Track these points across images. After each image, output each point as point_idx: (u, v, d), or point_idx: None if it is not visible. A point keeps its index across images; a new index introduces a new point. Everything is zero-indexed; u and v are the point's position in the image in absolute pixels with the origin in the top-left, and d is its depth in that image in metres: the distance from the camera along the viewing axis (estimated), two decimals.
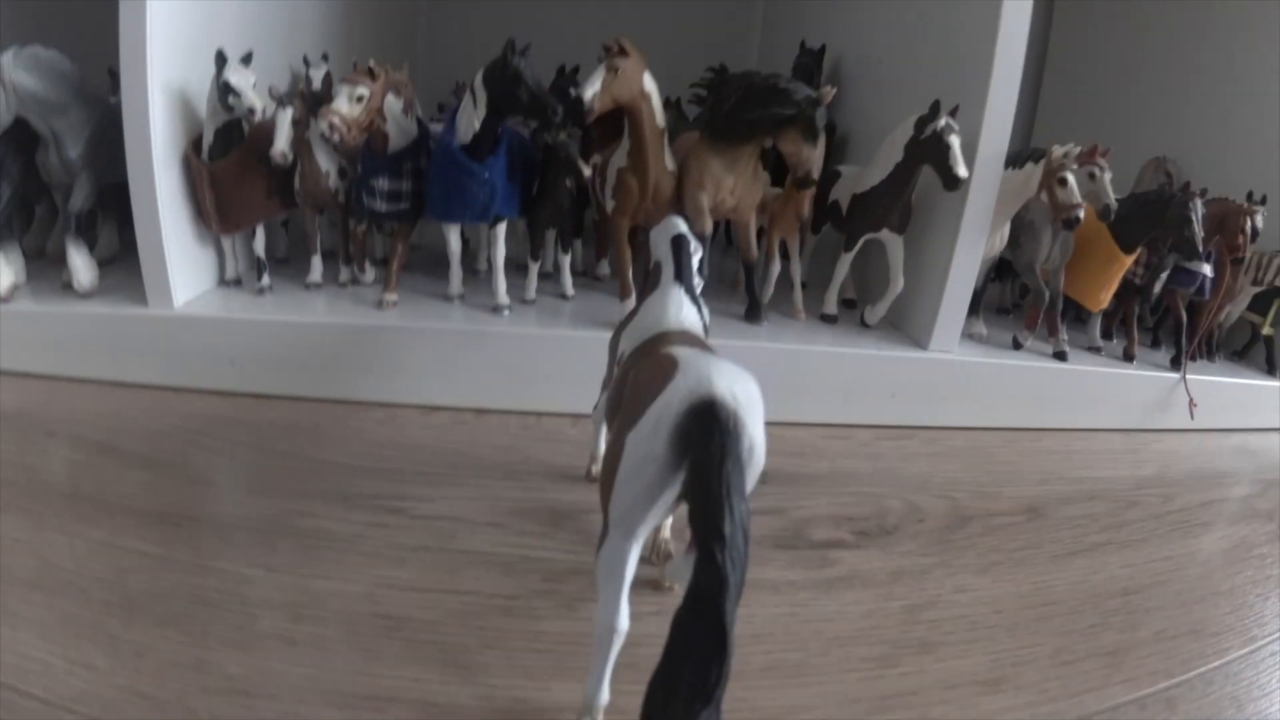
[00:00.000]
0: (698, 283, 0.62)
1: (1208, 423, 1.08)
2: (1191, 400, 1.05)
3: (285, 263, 1.07)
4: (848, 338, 0.99)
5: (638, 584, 0.51)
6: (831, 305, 1.04)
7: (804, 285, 1.07)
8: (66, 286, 0.89)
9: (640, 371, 0.47)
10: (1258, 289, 1.15)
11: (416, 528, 0.67)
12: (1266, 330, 1.16)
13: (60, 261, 0.90)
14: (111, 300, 0.88)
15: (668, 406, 0.42)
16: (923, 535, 0.75)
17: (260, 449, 0.78)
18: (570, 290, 1.02)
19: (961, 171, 0.86)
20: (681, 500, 0.42)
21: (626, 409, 0.46)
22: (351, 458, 0.78)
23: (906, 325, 1.02)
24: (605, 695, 0.49)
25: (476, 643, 0.55)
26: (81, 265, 0.88)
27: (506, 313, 0.92)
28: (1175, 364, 1.07)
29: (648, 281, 0.63)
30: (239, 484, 0.73)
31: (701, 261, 0.64)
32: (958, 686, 0.56)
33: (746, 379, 0.44)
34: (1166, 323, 1.18)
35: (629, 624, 0.46)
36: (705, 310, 0.61)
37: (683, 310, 0.57)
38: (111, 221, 1.01)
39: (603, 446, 0.69)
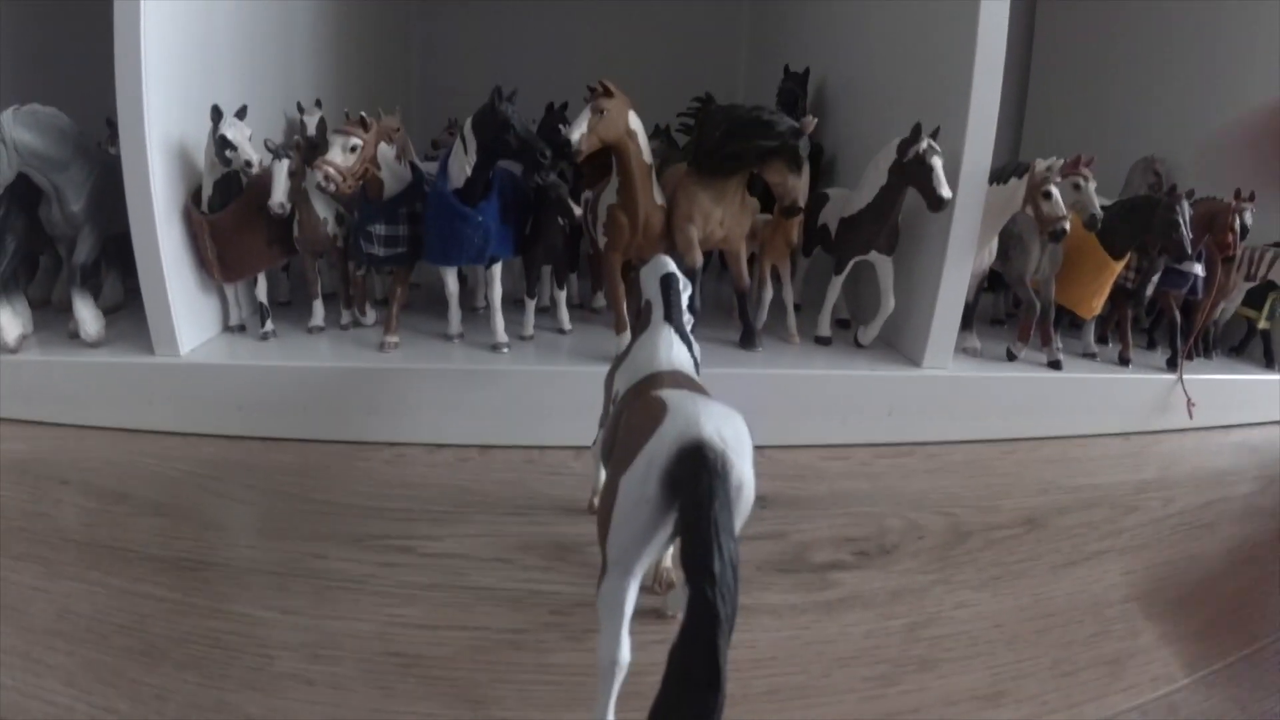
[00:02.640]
0: (688, 319, 0.63)
1: (1207, 420, 1.09)
2: (1190, 400, 1.06)
3: (288, 305, 1.09)
4: (842, 359, 1.00)
5: (641, 614, 0.53)
6: (825, 328, 1.05)
7: (798, 308, 1.08)
8: (73, 335, 0.91)
9: (632, 414, 0.49)
10: (1251, 284, 1.15)
11: (426, 566, 0.69)
12: (1263, 324, 1.17)
13: (65, 310, 0.92)
14: (118, 349, 0.90)
15: (657, 451, 0.44)
16: (922, 553, 0.76)
17: (271, 492, 0.80)
18: (567, 324, 1.03)
19: (945, 192, 0.86)
20: (676, 538, 0.44)
21: (620, 453, 0.47)
22: (360, 498, 0.79)
23: (900, 343, 1.03)
24: None
25: (487, 678, 0.57)
26: (88, 316, 0.90)
27: (506, 350, 0.94)
28: (1171, 365, 1.08)
29: (639, 320, 0.65)
30: (251, 528, 0.74)
31: (692, 298, 0.65)
32: (959, 702, 0.57)
33: (734, 418, 0.46)
34: (1161, 324, 1.19)
35: (630, 656, 0.47)
36: (696, 348, 0.62)
37: (673, 350, 0.58)
38: (115, 271, 1.03)
39: (602, 479, 0.71)
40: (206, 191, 0.89)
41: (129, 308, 0.98)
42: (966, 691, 0.58)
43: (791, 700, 0.56)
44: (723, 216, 0.92)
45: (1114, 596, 0.71)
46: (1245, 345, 1.22)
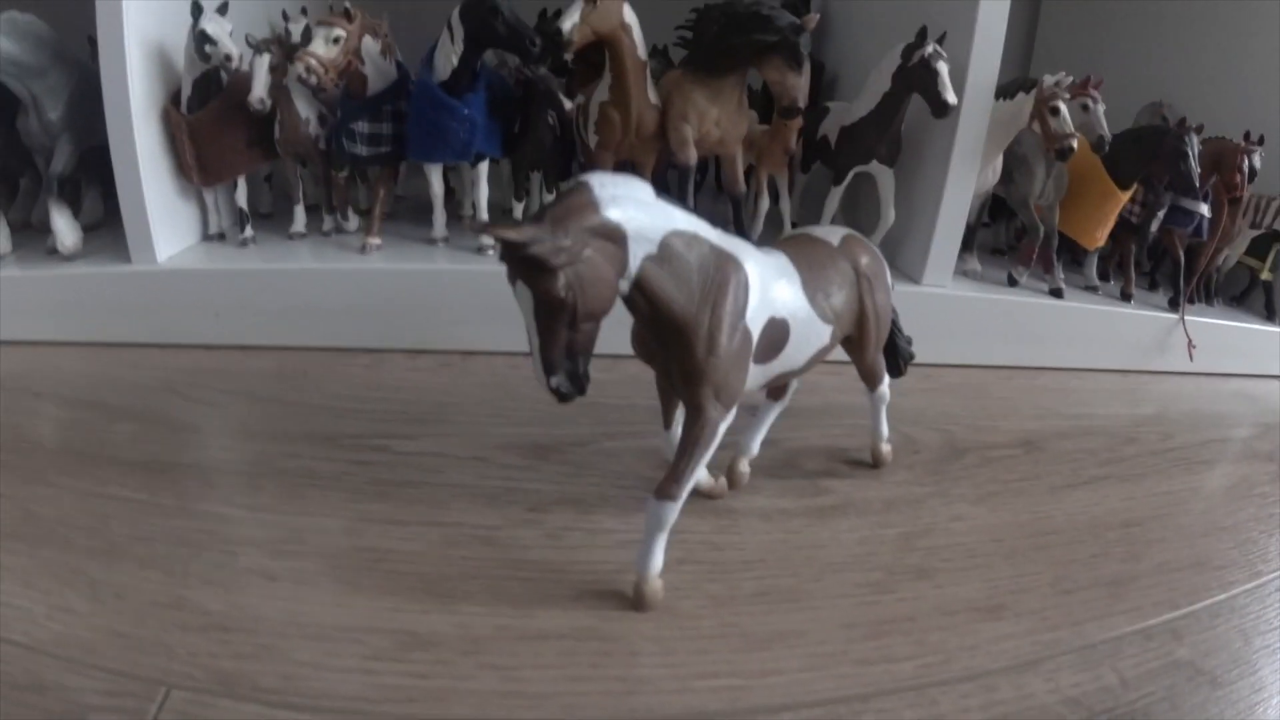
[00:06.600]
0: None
1: (1206, 366, 1.06)
2: (1190, 342, 1.03)
3: (270, 218, 1.06)
4: None
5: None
6: None
7: (794, 225, 1.05)
8: (52, 252, 0.88)
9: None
10: (1256, 232, 1.13)
11: (401, 464, 0.67)
12: (1265, 275, 1.14)
13: (46, 231, 0.89)
14: (95, 260, 0.88)
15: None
16: (917, 466, 0.74)
17: (245, 397, 0.77)
18: None
19: (950, 98, 0.84)
20: None
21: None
22: (336, 401, 0.77)
23: (899, 260, 1.00)
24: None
25: (458, 572, 0.55)
26: (65, 227, 0.87)
27: (491, 253, 0.91)
28: (1173, 305, 1.06)
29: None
30: (223, 431, 0.72)
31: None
32: (956, 613, 0.55)
33: None
34: (1164, 266, 1.16)
35: None
36: None
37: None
38: (95, 187, 1.00)
39: None
40: (186, 91, 0.86)
41: (110, 226, 0.95)
42: (964, 602, 0.56)
43: (782, 602, 0.54)
44: (719, 116, 0.88)
45: (1114, 520, 0.69)
46: (1247, 295, 1.20)
